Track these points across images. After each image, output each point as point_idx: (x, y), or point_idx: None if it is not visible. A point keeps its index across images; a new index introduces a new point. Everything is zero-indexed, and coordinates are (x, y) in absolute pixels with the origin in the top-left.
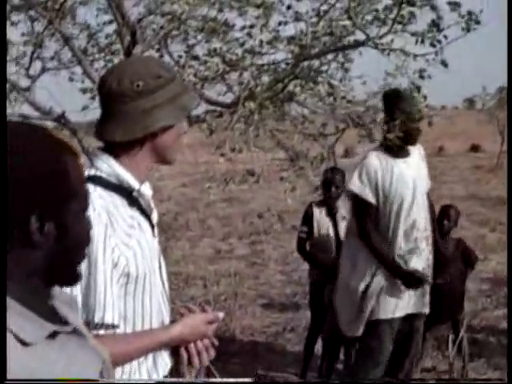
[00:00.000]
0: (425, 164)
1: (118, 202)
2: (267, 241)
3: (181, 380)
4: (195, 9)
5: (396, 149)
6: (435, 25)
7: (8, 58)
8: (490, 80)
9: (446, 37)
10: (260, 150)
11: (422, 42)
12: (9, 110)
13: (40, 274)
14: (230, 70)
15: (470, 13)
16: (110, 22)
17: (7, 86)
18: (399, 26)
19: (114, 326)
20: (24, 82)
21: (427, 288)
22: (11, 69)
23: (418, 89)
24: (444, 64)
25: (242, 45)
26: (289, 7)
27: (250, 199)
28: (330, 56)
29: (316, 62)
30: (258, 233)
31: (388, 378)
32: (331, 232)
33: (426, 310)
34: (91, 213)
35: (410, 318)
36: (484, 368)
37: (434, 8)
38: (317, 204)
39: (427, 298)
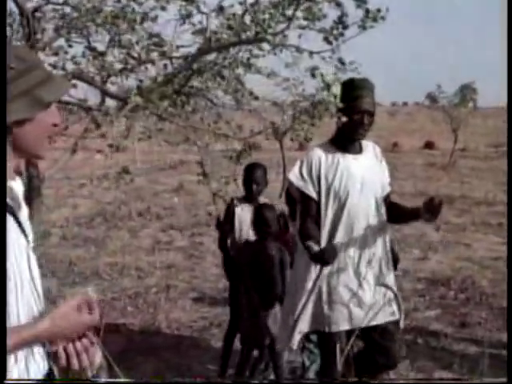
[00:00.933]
0: (382, 167)
1: None
2: (208, 233)
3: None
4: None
5: (345, 143)
6: (341, 22)
7: None
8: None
9: (342, 34)
10: (168, 144)
11: (326, 39)
12: None
13: None
14: (138, 63)
15: (367, 10)
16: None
17: None
18: (305, 23)
19: None
20: None
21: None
22: None
23: (328, 87)
24: (341, 62)
25: (151, 37)
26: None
27: (200, 190)
28: (232, 51)
29: (220, 57)
30: (199, 224)
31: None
32: (251, 229)
33: (391, 319)
34: None
35: (372, 329)
36: (407, 370)
37: (338, 4)
38: (238, 200)
39: (391, 308)
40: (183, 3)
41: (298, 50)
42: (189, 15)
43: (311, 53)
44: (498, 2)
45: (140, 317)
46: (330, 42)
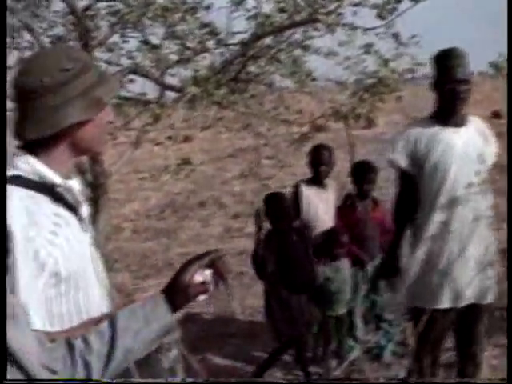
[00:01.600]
0: (485, 143)
1: (40, 200)
2: None
3: (176, 380)
4: None
5: (444, 117)
6: None
7: None
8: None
9: (395, 8)
10: (227, 131)
11: (379, 15)
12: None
13: None
14: (194, 53)
15: None
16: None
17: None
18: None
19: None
20: None
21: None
22: None
23: (386, 63)
24: (395, 37)
25: (204, 26)
26: None
27: (268, 175)
28: (287, 33)
29: (275, 40)
30: None
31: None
32: (320, 211)
33: (484, 301)
34: (11, 216)
35: (467, 309)
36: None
37: None
38: (305, 183)
39: (488, 290)
40: None
41: (352, 27)
42: (241, 1)
43: (365, 30)
44: None
45: (214, 305)
46: (383, 18)
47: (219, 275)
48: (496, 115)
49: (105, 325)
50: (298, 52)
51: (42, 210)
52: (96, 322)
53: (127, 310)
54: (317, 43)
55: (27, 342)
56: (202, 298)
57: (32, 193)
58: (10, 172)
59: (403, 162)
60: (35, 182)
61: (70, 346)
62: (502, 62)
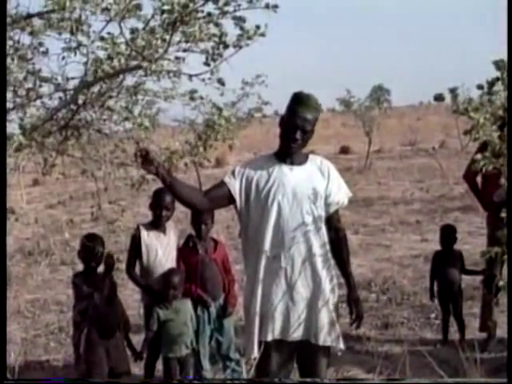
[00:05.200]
0: (328, 183)
1: None
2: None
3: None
4: None
5: (284, 155)
6: (221, 42)
7: None
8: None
9: (220, 55)
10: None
11: (208, 60)
12: None
13: None
14: (27, 99)
15: (242, 28)
16: None
17: None
18: (186, 46)
19: None
20: None
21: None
22: None
23: (220, 110)
24: (221, 83)
25: (37, 72)
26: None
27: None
28: (118, 79)
29: (104, 87)
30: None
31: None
32: (160, 254)
33: (316, 341)
34: None
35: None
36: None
37: (217, 25)
38: (145, 226)
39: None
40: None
41: (176, 74)
42: (77, 47)
43: (190, 76)
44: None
45: None
46: (207, 64)
47: None
48: (344, 150)
49: None
50: (129, 97)
51: None
52: None
53: None
54: (155, 87)
55: None
56: None
57: None
58: None
59: (237, 196)
60: None
61: None
62: (350, 97)
